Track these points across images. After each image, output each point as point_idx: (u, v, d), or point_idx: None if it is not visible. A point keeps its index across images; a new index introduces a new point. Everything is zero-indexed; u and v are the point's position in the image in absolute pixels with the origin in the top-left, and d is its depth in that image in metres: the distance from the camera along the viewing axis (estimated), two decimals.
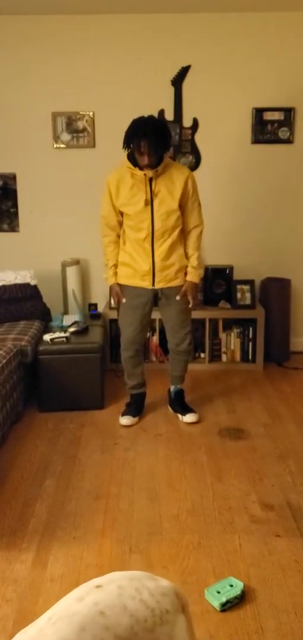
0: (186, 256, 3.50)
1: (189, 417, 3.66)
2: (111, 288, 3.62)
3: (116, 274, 3.54)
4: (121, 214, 3.44)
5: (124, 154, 4.73)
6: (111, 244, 3.53)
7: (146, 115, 3.27)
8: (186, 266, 3.50)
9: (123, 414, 3.69)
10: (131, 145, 3.27)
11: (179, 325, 3.57)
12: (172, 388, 3.81)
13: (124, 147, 3.30)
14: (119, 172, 3.40)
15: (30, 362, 3.82)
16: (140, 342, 3.64)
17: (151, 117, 3.25)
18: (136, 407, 3.75)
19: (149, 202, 3.32)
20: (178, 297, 3.48)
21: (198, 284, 3.56)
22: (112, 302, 4.69)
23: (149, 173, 3.27)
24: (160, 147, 3.23)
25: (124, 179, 3.36)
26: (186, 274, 3.50)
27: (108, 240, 3.53)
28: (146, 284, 3.46)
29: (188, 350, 3.65)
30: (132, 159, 3.32)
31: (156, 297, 3.53)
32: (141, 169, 3.29)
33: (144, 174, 3.28)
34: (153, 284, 3.46)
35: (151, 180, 3.31)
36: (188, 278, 3.49)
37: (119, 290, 3.54)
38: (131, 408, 3.73)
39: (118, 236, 3.52)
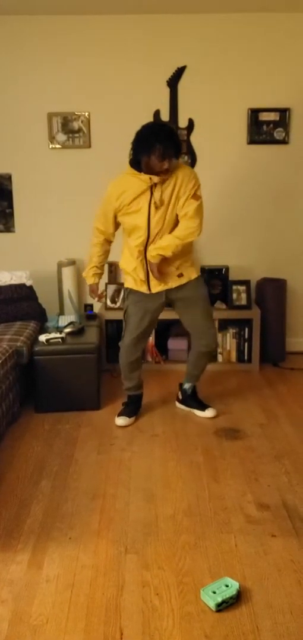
0: None
1: (210, 412, 3.73)
2: (89, 286, 3.67)
3: (95, 274, 3.60)
4: (117, 223, 3.46)
5: (120, 154, 4.74)
6: (98, 245, 3.55)
7: (155, 122, 3.22)
8: (189, 262, 3.50)
9: (119, 415, 3.68)
10: (143, 152, 3.17)
11: (205, 325, 3.56)
12: (187, 386, 3.81)
13: (135, 153, 3.22)
14: (123, 180, 3.34)
15: (26, 363, 3.81)
16: (142, 349, 3.66)
17: (164, 124, 3.22)
18: (133, 408, 3.74)
19: (150, 208, 3.27)
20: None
21: (153, 262, 3.35)
22: (109, 301, 4.69)
23: (155, 178, 3.20)
24: (176, 153, 3.20)
25: (128, 186, 3.30)
26: (181, 274, 3.48)
27: (96, 240, 3.56)
28: (144, 289, 3.46)
29: (214, 350, 3.72)
30: (134, 165, 3.27)
31: (167, 305, 3.56)
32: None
33: (150, 178, 3.21)
34: (149, 289, 3.45)
35: (153, 186, 3.24)
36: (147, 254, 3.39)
37: (96, 289, 3.64)
38: (127, 409, 3.72)
39: (107, 240, 3.54)
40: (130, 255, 3.44)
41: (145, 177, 3.22)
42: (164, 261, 3.36)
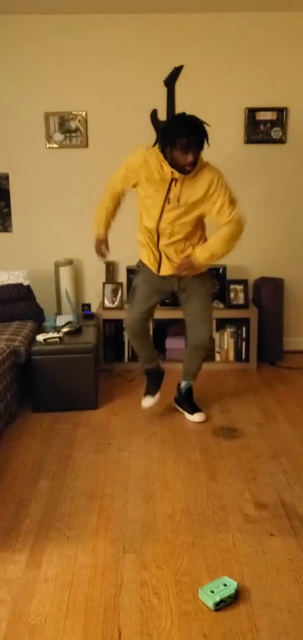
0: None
1: (197, 417, 3.67)
2: (97, 241, 3.47)
3: (106, 226, 3.43)
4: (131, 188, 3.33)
5: (117, 153, 4.74)
6: (109, 203, 3.40)
7: (181, 114, 3.10)
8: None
9: (144, 395, 3.74)
10: (167, 143, 3.06)
11: (200, 319, 3.52)
12: (183, 384, 3.79)
13: (161, 144, 3.10)
14: (151, 155, 3.17)
15: (23, 363, 3.81)
16: (147, 323, 3.60)
17: (191, 116, 3.07)
18: (154, 385, 3.75)
19: (165, 203, 3.19)
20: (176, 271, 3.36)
21: (195, 265, 3.30)
22: (106, 301, 4.69)
23: (176, 174, 3.10)
24: (201, 144, 3.08)
25: (154, 166, 3.15)
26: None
27: (105, 204, 3.40)
28: (155, 269, 3.42)
29: (206, 346, 3.61)
30: (163, 153, 3.13)
31: (173, 294, 3.54)
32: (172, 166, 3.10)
33: (172, 172, 3.10)
34: (158, 271, 3.40)
35: (173, 181, 3.15)
36: (192, 253, 3.31)
37: (105, 240, 3.44)
38: (149, 386, 3.75)
39: (117, 201, 3.41)
40: (142, 233, 3.39)
41: (168, 169, 3.11)
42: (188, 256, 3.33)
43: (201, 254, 3.27)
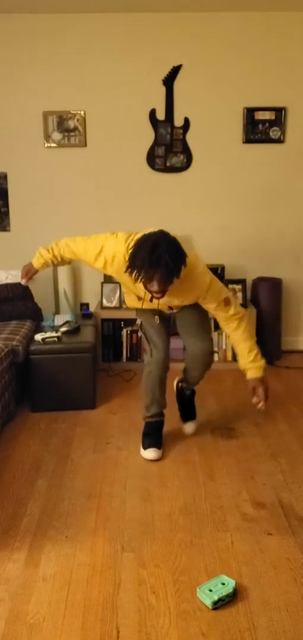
0: (239, 358, 3.01)
1: (187, 427, 3.44)
2: (29, 267, 3.20)
3: (44, 265, 3.16)
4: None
5: (116, 153, 4.76)
6: (61, 256, 3.12)
7: (156, 233, 2.63)
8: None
9: (146, 447, 3.20)
10: (139, 272, 2.59)
11: (199, 330, 3.16)
12: (184, 385, 3.44)
13: (131, 270, 2.62)
14: (120, 262, 2.80)
15: (21, 362, 3.81)
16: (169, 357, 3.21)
17: (164, 240, 2.58)
18: (157, 437, 3.25)
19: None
20: (254, 400, 3.00)
21: (264, 377, 2.98)
22: (105, 301, 4.69)
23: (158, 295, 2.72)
24: (174, 276, 2.63)
25: (123, 273, 2.81)
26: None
27: (61, 253, 3.10)
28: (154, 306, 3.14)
29: (209, 361, 3.21)
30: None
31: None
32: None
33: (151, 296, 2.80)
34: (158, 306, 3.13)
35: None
36: (251, 375, 2.97)
37: (34, 273, 3.18)
38: (153, 439, 3.23)
39: (69, 261, 3.22)
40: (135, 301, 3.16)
41: (148, 296, 2.88)
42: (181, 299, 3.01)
43: (259, 365, 2.96)
